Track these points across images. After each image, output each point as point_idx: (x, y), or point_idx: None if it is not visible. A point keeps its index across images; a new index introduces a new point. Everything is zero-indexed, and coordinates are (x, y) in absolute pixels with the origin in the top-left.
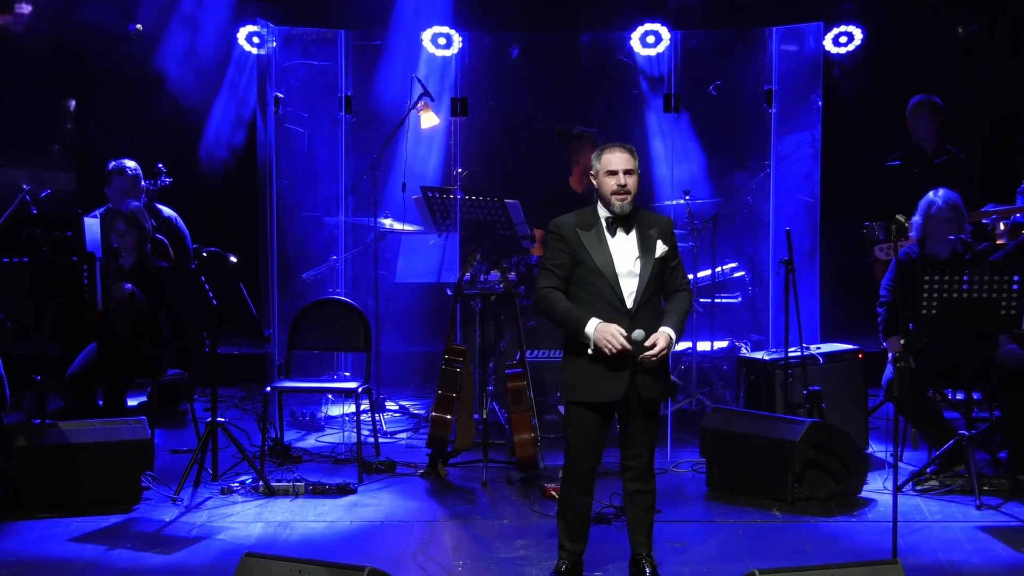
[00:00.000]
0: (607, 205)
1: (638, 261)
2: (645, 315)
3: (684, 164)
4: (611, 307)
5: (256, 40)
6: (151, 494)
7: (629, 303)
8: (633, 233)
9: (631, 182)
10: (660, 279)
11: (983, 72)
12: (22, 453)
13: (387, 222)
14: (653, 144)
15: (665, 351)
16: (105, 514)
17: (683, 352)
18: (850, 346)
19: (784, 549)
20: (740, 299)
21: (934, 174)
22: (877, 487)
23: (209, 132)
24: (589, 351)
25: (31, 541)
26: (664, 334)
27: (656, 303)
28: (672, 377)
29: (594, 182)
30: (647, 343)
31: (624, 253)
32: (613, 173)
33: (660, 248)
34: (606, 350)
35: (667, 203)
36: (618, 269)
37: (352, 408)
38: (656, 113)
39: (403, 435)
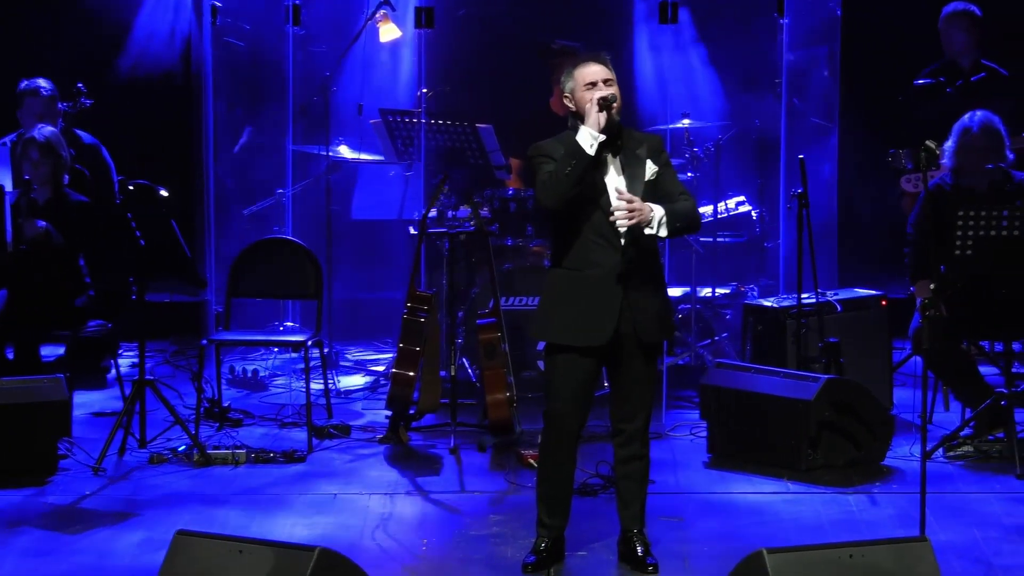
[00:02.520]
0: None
1: (625, 188)
2: (638, 249)
3: (682, 83)
4: (604, 239)
5: None
6: (69, 463)
7: (621, 237)
8: (619, 157)
9: (613, 90)
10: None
11: None
12: None
13: (342, 150)
14: (647, 60)
15: (639, 211)
16: (13, 487)
17: (680, 297)
18: (872, 291)
19: (796, 524)
20: (746, 238)
21: (971, 93)
22: (903, 453)
23: (135, 46)
24: (598, 138)
25: None
26: (647, 204)
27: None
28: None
29: (570, 104)
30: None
31: (612, 179)
32: (592, 85)
33: (650, 169)
34: (599, 103)
35: (662, 126)
36: (610, 196)
37: (301, 364)
38: (650, 24)
39: (359, 395)
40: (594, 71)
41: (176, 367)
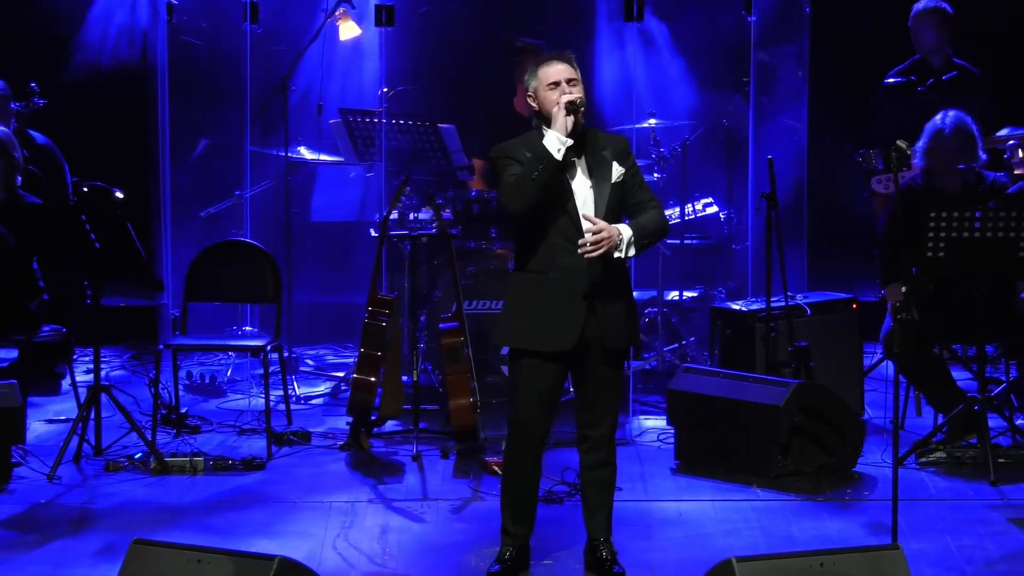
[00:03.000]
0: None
1: (591, 191)
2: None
3: (648, 82)
4: (569, 242)
5: None
6: (22, 471)
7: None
8: (584, 159)
9: (578, 91)
10: (619, 208)
11: None
12: None
13: (301, 151)
14: (611, 58)
15: (607, 240)
16: None
17: (647, 301)
18: (843, 295)
19: (766, 533)
20: (714, 240)
21: (942, 92)
22: (875, 459)
23: (89, 45)
24: (565, 143)
25: None
26: (614, 227)
27: None
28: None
29: (533, 104)
30: (590, 222)
31: (577, 183)
32: (555, 85)
33: (616, 171)
34: (566, 107)
35: (627, 126)
36: (576, 200)
37: (260, 369)
38: (616, 21)
39: (319, 400)
40: (557, 70)
41: (132, 372)
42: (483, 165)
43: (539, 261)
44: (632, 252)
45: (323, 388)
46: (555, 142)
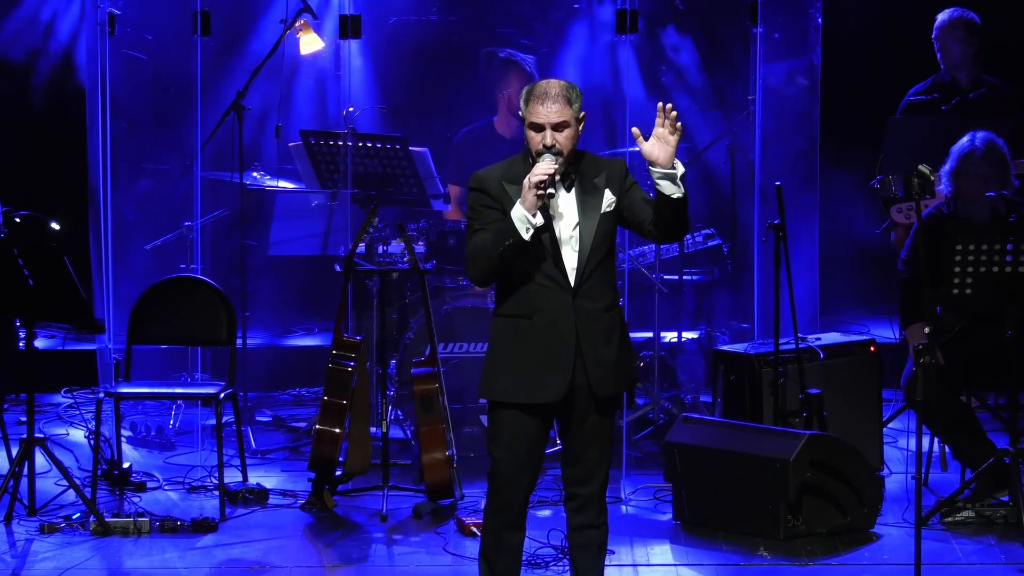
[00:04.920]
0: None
1: (577, 226)
2: (592, 289)
3: (644, 100)
4: (553, 282)
5: None
6: None
7: (571, 277)
8: (574, 190)
9: (563, 139)
10: (609, 242)
11: None
12: None
13: (257, 177)
14: (602, 74)
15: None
16: None
17: (642, 343)
18: (859, 336)
19: None
20: (716, 275)
21: (970, 112)
22: (895, 519)
23: (18, 60)
24: (535, 224)
25: None
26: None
27: (606, 272)
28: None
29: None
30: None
31: (563, 215)
32: (538, 128)
33: (607, 200)
34: (537, 184)
35: (619, 149)
36: (559, 235)
37: (212, 420)
38: (607, 33)
39: (278, 455)
40: (545, 111)
41: (70, 423)
42: (460, 192)
43: (520, 304)
44: (680, 193)
45: (282, 440)
46: (523, 220)
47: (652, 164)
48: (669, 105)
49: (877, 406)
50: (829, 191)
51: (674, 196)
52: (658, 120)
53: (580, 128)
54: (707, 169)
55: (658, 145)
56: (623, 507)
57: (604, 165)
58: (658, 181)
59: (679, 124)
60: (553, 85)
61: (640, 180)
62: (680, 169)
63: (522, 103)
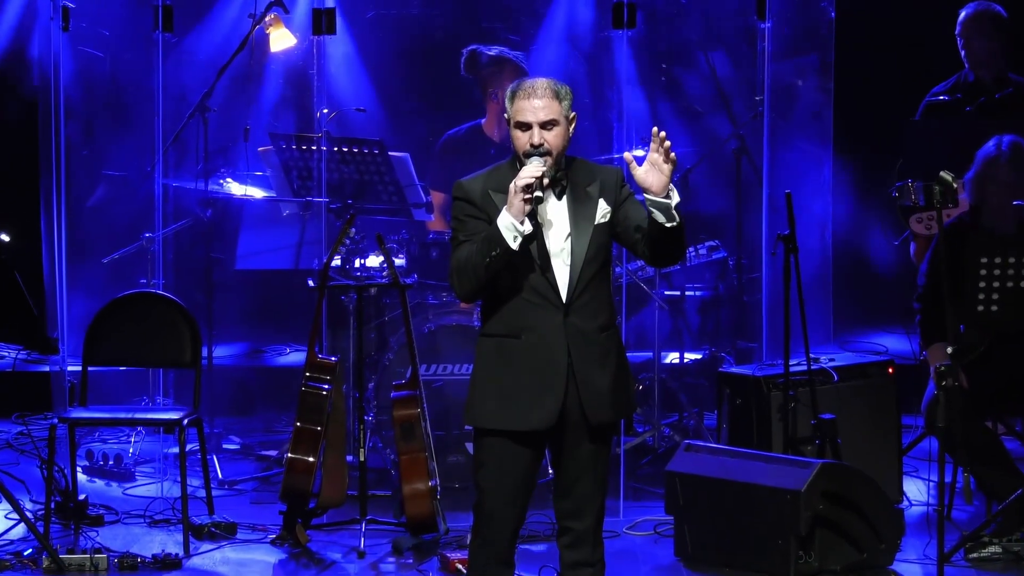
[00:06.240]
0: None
1: (569, 238)
2: (585, 307)
3: (641, 102)
4: (543, 299)
5: None
6: None
7: (563, 292)
8: (565, 198)
9: (552, 138)
10: (604, 255)
11: None
12: None
13: (224, 184)
14: (594, 72)
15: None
16: None
17: (641, 364)
18: (876, 357)
19: None
20: (721, 291)
21: (995, 113)
22: (915, 555)
23: None
24: (523, 231)
25: None
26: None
27: (601, 288)
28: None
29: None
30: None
31: (553, 225)
32: (524, 127)
33: (602, 210)
34: (524, 187)
35: (614, 155)
36: (549, 247)
37: (175, 448)
38: (602, 29)
39: (247, 485)
40: (532, 108)
41: (20, 452)
42: (444, 200)
43: (508, 323)
44: (675, 220)
45: (251, 469)
46: (511, 228)
47: (645, 191)
48: (663, 133)
49: (896, 433)
50: (843, 199)
51: (668, 225)
52: (652, 145)
53: (571, 129)
54: (711, 176)
55: (652, 172)
56: (621, 542)
57: (598, 172)
58: (651, 208)
59: (673, 155)
60: (540, 80)
61: (638, 190)
62: (675, 199)
63: (507, 102)
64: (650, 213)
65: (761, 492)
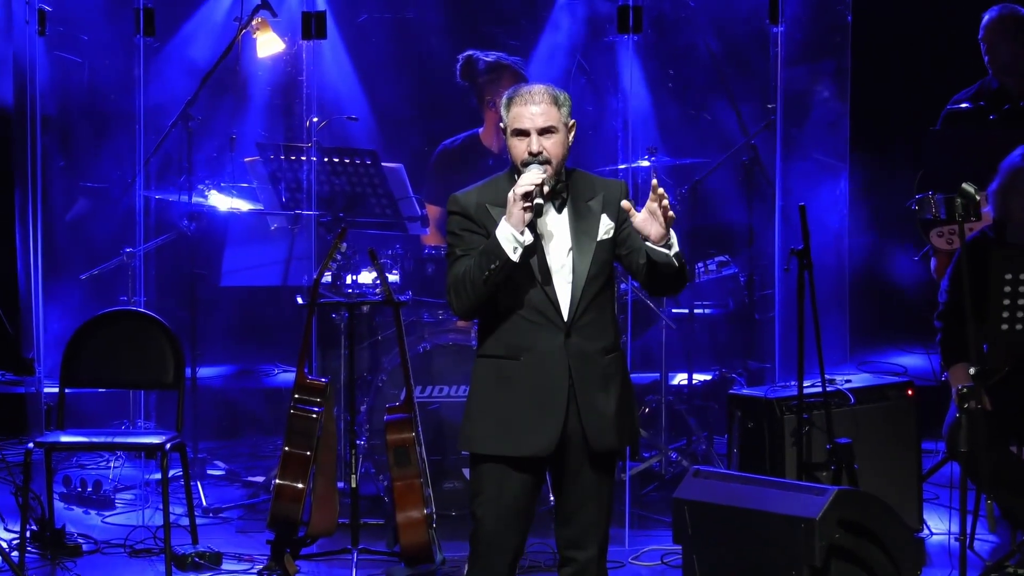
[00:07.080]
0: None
1: (570, 254)
2: (588, 327)
3: (648, 110)
4: (544, 318)
5: None
6: None
7: (564, 311)
8: (566, 211)
9: (551, 146)
10: (607, 272)
11: None
12: None
13: (209, 196)
14: (599, 79)
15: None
16: None
17: (647, 386)
18: (895, 378)
19: None
20: (731, 308)
21: (1020, 122)
22: None
23: None
24: (523, 241)
25: None
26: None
27: (604, 307)
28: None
29: (505, 138)
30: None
31: (553, 240)
32: (522, 134)
33: (604, 225)
34: (523, 196)
35: (621, 166)
36: (550, 262)
37: (157, 474)
38: (607, 34)
39: (233, 512)
40: (529, 114)
41: None
42: (439, 213)
43: (507, 343)
44: (673, 260)
45: (237, 496)
46: (510, 240)
47: (644, 239)
48: (661, 189)
49: (915, 458)
50: (859, 212)
51: (666, 272)
52: (652, 195)
53: (571, 137)
54: (721, 188)
55: (651, 221)
56: (626, 573)
57: (600, 186)
58: (650, 251)
59: (672, 215)
60: (537, 86)
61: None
62: (674, 248)
63: (503, 110)
64: (648, 252)
65: (774, 520)
